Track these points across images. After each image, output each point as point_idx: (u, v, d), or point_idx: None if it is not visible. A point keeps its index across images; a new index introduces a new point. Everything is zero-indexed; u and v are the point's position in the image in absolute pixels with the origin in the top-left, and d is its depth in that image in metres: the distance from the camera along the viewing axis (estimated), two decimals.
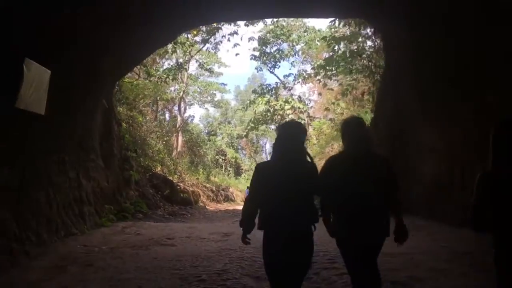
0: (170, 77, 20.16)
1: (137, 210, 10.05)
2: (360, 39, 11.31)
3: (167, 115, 35.18)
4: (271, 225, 3.06)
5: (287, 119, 17.53)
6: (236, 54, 29.76)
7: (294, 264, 3.01)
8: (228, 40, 30.75)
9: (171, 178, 16.82)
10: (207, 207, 16.41)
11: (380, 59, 10.55)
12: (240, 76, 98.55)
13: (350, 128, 3.43)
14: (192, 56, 29.50)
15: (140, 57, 9.73)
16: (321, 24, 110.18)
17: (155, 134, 22.73)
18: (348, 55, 11.51)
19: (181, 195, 14.76)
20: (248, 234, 3.19)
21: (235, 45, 30.61)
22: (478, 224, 2.66)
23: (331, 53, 13.10)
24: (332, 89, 21.63)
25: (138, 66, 16.84)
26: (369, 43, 11.09)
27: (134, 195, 10.32)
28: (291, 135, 3.21)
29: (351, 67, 11.98)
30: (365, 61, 11.47)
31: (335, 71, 12.29)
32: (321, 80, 18.19)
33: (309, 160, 3.29)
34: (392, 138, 9.64)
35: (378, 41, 10.52)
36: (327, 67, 11.99)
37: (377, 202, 3.16)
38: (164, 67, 33.26)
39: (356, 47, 11.49)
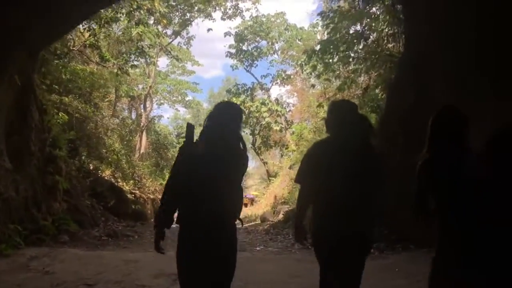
0: (129, 64, 17.26)
1: (62, 230, 7.29)
2: (366, 20, 8.91)
3: (133, 115, 32.22)
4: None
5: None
6: (208, 30, 26.81)
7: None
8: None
9: (123, 184, 14.02)
10: None
11: (394, 42, 8.26)
12: (213, 80, 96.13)
13: (342, 112, 3.15)
14: (161, 48, 26.71)
15: (73, 18, 7.01)
16: (303, 22, 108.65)
17: (113, 133, 19.90)
18: (349, 38, 9.01)
19: (133, 206, 12.02)
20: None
21: (209, 29, 27.74)
22: (418, 211, 2.73)
23: (328, 35, 10.62)
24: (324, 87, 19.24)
25: (91, 50, 14.06)
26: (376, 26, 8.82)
27: (60, 208, 7.56)
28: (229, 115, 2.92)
29: (352, 54, 9.55)
30: (371, 47, 9.08)
31: (330, 60, 9.74)
32: (310, 76, 15.66)
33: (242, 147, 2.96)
34: (407, 138, 7.24)
35: (393, 19, 8.15)
36: (323, 55, 9.39)
37: (362, 202, 2.90)
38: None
39: (360, 29, 9.11)
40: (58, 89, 13.21)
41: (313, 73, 21.10)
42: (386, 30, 8.61)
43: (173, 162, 2.96)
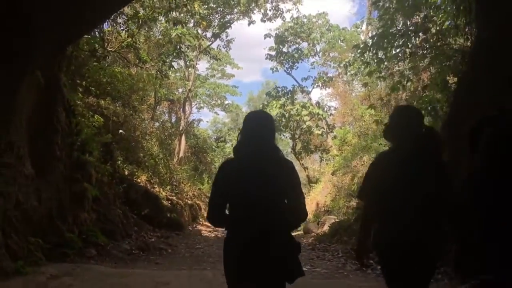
0: (167, 64, 16.78)
1: (89, 242, 6.68)
2: (425, 11, 7.81)
3: (173, 119, 32.06)
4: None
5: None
6: (250, 23, 26.11)
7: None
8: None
9: (160, 190, 13.45)
10: (202, 231, 12.88)
11: (457, 36, 7.17)
12: (252, 84, 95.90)
13: (409, 118, 2.91)
14: (200, 51, 26.31)
15: (98, 15, 6.37)
16: (345, 22, 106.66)
17: (152, 136, 19.55)
18: (406, 31, 7.91)
19: (168, 215, 11.40)
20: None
21: (250, 23, 26.78)
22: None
23: (378, 30, 9.55)
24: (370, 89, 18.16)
25: (129, 51, 13.63)
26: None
27: (88, 218, 6.97)
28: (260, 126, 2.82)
29: (408, 49, 8.44)
30: (431, 41, 7.99)
31: (385, 54, 8.65)
32: (354, 77, 14.64)
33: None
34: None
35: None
36: (376, 50, 8.31)
37: (428, 221, 2.71)
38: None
39: (419, 20, 8.01)
40: (95, 91, 12.86)
41: (358, 73, 20.09)
42: (449, 21, 7.54)
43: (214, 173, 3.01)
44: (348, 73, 20.69)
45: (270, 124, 2.86)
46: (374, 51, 8.22)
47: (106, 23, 13.98)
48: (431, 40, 7.75)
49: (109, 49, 13.22)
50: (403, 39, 7.56)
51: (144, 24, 13.63)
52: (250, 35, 72.22)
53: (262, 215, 2.51)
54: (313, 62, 29.38)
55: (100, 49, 13.37)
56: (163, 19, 14.27)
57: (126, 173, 11.81)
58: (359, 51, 9.99)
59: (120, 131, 13.93)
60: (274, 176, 2.61)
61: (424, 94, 9.42)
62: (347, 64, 18.07)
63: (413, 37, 7.79)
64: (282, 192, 2.64)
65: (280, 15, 26.90)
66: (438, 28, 7.74)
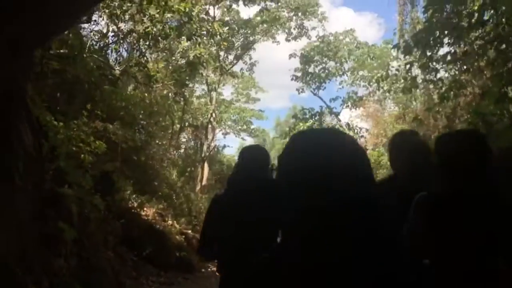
0: (186, 86, 15.65)
1: None
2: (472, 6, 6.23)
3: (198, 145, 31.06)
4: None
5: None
6: (276, 42, 24.94)
7: None
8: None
9: (173, 223, 12.03)
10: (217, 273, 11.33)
11: None
12: (281, 110, 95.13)
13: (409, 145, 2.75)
14: (221, 74, 25.26)
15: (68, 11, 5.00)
16: (373, 38, 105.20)
17: (170, 164, 18.38)
18: (459, 24, 6.28)
19: (177, 253, 9.89)
20: None
21: (275, 42, 25.69)
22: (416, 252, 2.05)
23: (424, 24, 7.94)
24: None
25: (138, 70, 12.51)
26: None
27: (65, 267, 5.56)
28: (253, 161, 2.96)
29: (460, 47, 6.78)
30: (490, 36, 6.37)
31: (436, 54, 6.96)
32: (386, 95, 13.16)
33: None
34: None
35: None
36: (424, 48, 6.65)
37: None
38: (196, 93, 29.85)
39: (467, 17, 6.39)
40: (101, 115, 11.75)
41: (392, 89, 18.50)
42: None
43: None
44: (381, 90, 19.14)
45: (263, 158, 2.91)
46: (417, 51, 6.65)
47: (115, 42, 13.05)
48: (489, 36, 6.14)
49: (117, 68, 12.13)
50: (455, 34, 6.00)
51: (156, 42, 12.54)
52: (277, 61, 71.55)
53: (250, 259, 1.77)
54: (341, 81, 27.96)
55: (107, 68, 12.39)
56: (183, 41, 13.26)
57: (134, 205, 10.49)
58: (400, 52, 8.44)
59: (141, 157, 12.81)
60: (265, 212, 2.36)
61: (478, 104, 7.78)
62: (380, 79, 16.53)
63: (467, 32, 6.23)
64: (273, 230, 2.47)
65: (305, 33, 25.77)
66: (498, 19, 6.15)
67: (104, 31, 12.68)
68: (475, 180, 2.09)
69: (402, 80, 16.97)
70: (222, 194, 3.08)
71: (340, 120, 27.45)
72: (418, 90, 17.50)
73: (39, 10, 4.44)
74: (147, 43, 12.49)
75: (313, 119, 26.98)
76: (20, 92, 4.97)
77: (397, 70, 15.88)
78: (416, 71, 12.04)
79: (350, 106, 27.56)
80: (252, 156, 2.94)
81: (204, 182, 25.52)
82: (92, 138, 10.14)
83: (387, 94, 22.56)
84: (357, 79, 27.32)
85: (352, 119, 28.97)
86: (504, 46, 5.72)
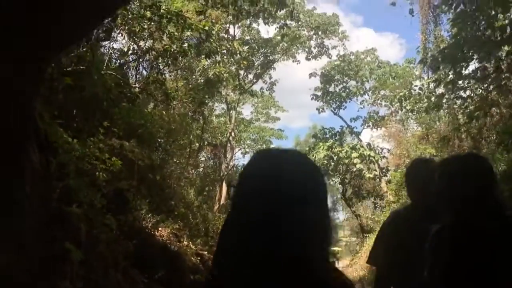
0: (205, 104, 15.50)
1: None
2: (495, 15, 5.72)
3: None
4: None
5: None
6: (296, 61, 24.59)
7: None
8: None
9: (189, 243, 11.72)
10: None
11: None
12: (301, 130, 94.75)
13: (427, 172, 2.50)
14: (241, 93, 25.14)
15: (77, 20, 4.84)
16: (395, 58, 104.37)
17: (188, 183, 18.15)
18: (490, 37, 5.82)
19: (192, 277, 9.55)
20: None
21: (295, 61, 25.60)
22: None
23: (451, 40, 7.45)
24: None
25: (155, 87, 12.41)
26: None
27: None
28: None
29: (491, 63, 6.32)
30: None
31: (465, 70, 6.47)
32: (409, 114, 12.71)
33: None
34: None
35: None
36: (453, 63, 6.15)
37: None
38: (216, 112, 29.81)
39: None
40: (118, 132, 11.64)
41: (415, 109, 18.07)
42: None
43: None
44: (404, 109, 18.69)
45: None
46: (444, 68, 6.24)
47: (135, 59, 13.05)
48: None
49: (135, 86, 12.05)
50: (485, 50, 5.60)
51: (175, 60, 12.47)
52: (298, 80, 71.57)
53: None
54: (363, 101, 27.56)
55: (126, 86, 12.32)
56: (202, 59, 13.15)
57: (149, 224, 10.23)
58: (425, 69, 8.09)
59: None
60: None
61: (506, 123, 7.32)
62: (402, 98, 16.16)
63: (498, 47, 5.83)
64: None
65: (325, 52, 25.57)
66: None
67: (124, 49, 12.70)
68: (480, 208, 2.00)
69: (425, 100, 16.58)
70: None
71: (361, 140, 26.98)
72: (441, 110, 17.03)
73: (50, 23, 4.29)
74: (166, 61, 12.41)
75: (334, 139, 26.61)
76: (28, 109, 4.80)
77: (420, 89, 15.48)
78: (440, 90, 11.59)
79: (371, 126, 27.15)
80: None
81: (222, 202, 25.20)
82: (107, 155, 10.01)
83: (410, 114, 22.10)
84: (379, 99, 26.92)
85: (373, 139, 28.55)
86: None
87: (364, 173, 24.63)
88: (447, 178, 2.12)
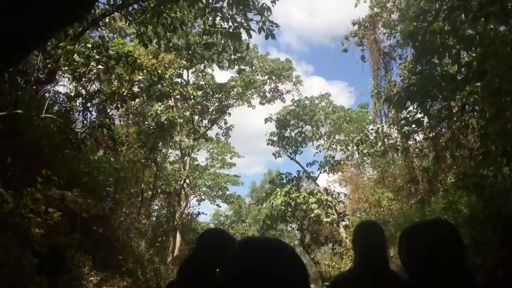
0: (156, 149, 14.71)
1: None
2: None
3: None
4: None
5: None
6: (251, 106, 24.33)
7: None
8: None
9: None
10: None
11: None
12: (256, 176, 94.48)
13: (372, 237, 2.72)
14: (195, 139, 24.49)
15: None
16: (345, 105, 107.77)
17: (138, 234, 16.97)
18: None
19: None
20: None
21: (250, 106, 25.68)
22: None
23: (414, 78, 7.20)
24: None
25: (101, 132, 11.56)
26: None
27: None
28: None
29: (455, 102, 6.04)
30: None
31: (431, 109, 6.18)
32: (365, 157, 12.52)
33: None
34: None
35: None
36: (422, 97, 5.80)
37: None
38: (170, 158, 28.92)
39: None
40: (58, 181, 10.63)
41: (372, 153, 18.00)
42: None
43: None
44: (360, 153, 18.65)
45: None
46: (413, 105, 5.91)
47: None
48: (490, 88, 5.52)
49: (80, 131, 11.19)
50: (451, 87, 5.31)
51: (124, 103, 11.77)
52: (253, 126, 71.91)
53: None
54: (318, 145, 27.49)
55: (71, 132, 11.43)
56: (144, 96, 12.52)
57: (90, 284, 9.16)
58: (391, 108, 7.82)
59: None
60: None
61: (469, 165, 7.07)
62: (359, 142, 16.06)
63: (463, 85, 5.58)
64: None
65: (279, 96, 25.62)
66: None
67: (67, 91, 11.95)
68: (450, 280, 1.92)
69: (380, 144, 16.55)
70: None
71: (318, 185, 26.69)
72: (396, 154, 17.06)
73: None
74: (114, 104, 11.70)
75: (291, 184, 26.18)
76: None
77: (376, 132, 15.42)
78: (395, 133, 11.34)
79: (327, 170, 26.97)
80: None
81: (176, 253, 23.87)
82: (44, 207, 9.01)
83: (365, 158, 22.17)
84: (334, 143, 26.97)
85: (330, 184, 28.34)
86: (508, 99, 5.07)
87: (322, 218, 24.18)
88: (419, 248, 2.01)
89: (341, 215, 25.05)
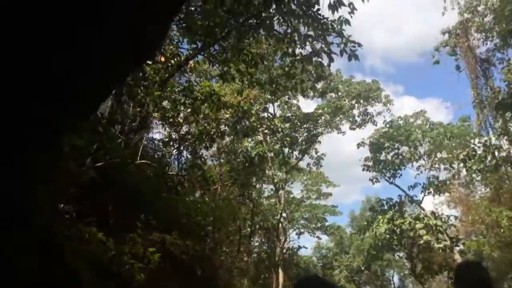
0: (250, 184, 14.57)
1: None
2: None
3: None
4: None
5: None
6: (341, 133, 23.54)
7: None
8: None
9: None
10: None
11: None
12: (354, 204, 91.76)
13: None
14: (288, 171, 24.21)
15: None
16: (443, 121, 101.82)
17: (238, 273, 16.83)
18: None
19: None
20: None
21: (340, 132, 25.04)
22: None
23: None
24: None
25: (192, 172, 11.71)
26: None
27: None
28: None
29: None
30: None
31: None
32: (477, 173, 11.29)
33: None
34: None
35: None
36: None
37: None
38: (264, 194, 28.91)
39: None
40: (157, 224, 10.84)
41: (484, 169, 16.45)
42: None
43: None
44: (468, 170, 17.05)
45: None
46: None
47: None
48: None
49: (175, 174, 11.41)
50: None
51: (212, 141, 11.88)
52: (346, 153, 70.12)
53: None
54: (419, 166, 25.83)
55: (166, 175, 11.72)
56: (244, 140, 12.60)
57: None
58: (498, 117, 6.88)
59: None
60: None
61: None
62: (465, 158, 14.68)
63: None
64: None
65: (370, 119, 24.63)
66: None
67: (155, 135, 12.35)
68: None
69: (489, 158, 14.93)
70: None
71: (423, 209, 24.90)
72: (510, 167, 15.32)
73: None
74: (204, 144, 11.84)
75: (393, 210, 24.72)
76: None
77: (484, 145, 14.01)
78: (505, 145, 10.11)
79: (432, 192, 25.14)
80: None
81: None
82: (142, 251, 9.12)
83: (474, 175, 20.23)
84: (436, 162, 25.18)
85: (436, 207, 26.34)
86: None
87: (433, 244, 22.40)
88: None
89: (454, 239, 22.98)
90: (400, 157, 25.63)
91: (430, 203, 31.81)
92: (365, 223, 27.04)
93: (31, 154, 2.83)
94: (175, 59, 10.15)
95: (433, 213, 24.25)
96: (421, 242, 22.74)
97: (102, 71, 2.94)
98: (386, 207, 25.31)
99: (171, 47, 10.10)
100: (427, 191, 25.15)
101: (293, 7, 7.88)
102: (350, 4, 7.20)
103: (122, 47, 2.82)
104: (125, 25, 2.58)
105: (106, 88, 3.71)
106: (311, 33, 8.53)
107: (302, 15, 7.97)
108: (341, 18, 7.21)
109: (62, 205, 7.97)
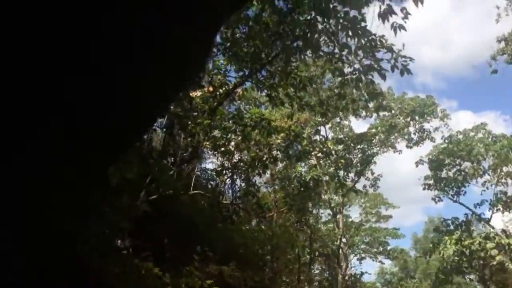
0: (306, 210, 14.18)
1: None
2: None
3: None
4: None
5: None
6: (397, 152, 22.56)
7: None
8: None
9: None
10: None
11: None
12: (416, 226, 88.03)
13: None
14: (345, 194, 23.50)
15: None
16: (506, 131, 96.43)
17: None
18: None
19: None
20: None
21: (396, 151, 24.09)
22: None
23: None
24: None
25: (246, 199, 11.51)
26: None
27: None
28: None
29: None
30: None
31: None
32: None
33: None
34: None
35: None
36: None
37: None
38: (322, 219, 28.22)
39: None
40: (214, 256, 10.66)
41: None
42: None
43: None
44: None
45: None
46: None
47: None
48: None
49: (230, 203, 11.25)
50: None
51: (265, 168, 11.68)
52: (403, 174, 67.59)
53: None
54: (484, 182, 24.32)
55: (220, 205, 11.60)
56: (285, 159, 12.33)
57: None
58: None
59: None
60: None
61: None
62: None
63: None
64: None
65: (427, 136, 23.62)
66: None
67: (206, 165, 12.33)
68: None
69: None
70: None
71: (493, 227, 23.32)
72: None
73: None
74: (257, 170, 11.66)
75: (460, 230, 23.30)
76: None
77: None
78: None
79: (501, 209, 23.53)
80: None
81: None
82: (200, 282, 8.95)
83: None
84: (503, 177, 23.62)
85: (507, 224, 24.60)
86: None
87: (507, 265, 20.87)
88: None
89: None
90: (463, 173, 24.27)
91: (500, 220, 29.83)
92: (431, 245, 25.61)
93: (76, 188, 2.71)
94: (223, 88, 10.14)
95: (504, 231, 22.72)
96: (494, 263, 21.27)
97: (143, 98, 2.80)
98: (452, 227, 23.91)
99: (219, 76, 10.12)
100: (495, 208, 23.61)
101: (340, 25, 7.66)
102: (403, 9, 6.82)
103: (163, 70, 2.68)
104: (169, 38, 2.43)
105: (150, 114, 3.58)
106: (359, 51, 8.23)
107: (349, 32, 7.72)
108: (394, 24, 6.84)
109: (119, 241, 7.98)
